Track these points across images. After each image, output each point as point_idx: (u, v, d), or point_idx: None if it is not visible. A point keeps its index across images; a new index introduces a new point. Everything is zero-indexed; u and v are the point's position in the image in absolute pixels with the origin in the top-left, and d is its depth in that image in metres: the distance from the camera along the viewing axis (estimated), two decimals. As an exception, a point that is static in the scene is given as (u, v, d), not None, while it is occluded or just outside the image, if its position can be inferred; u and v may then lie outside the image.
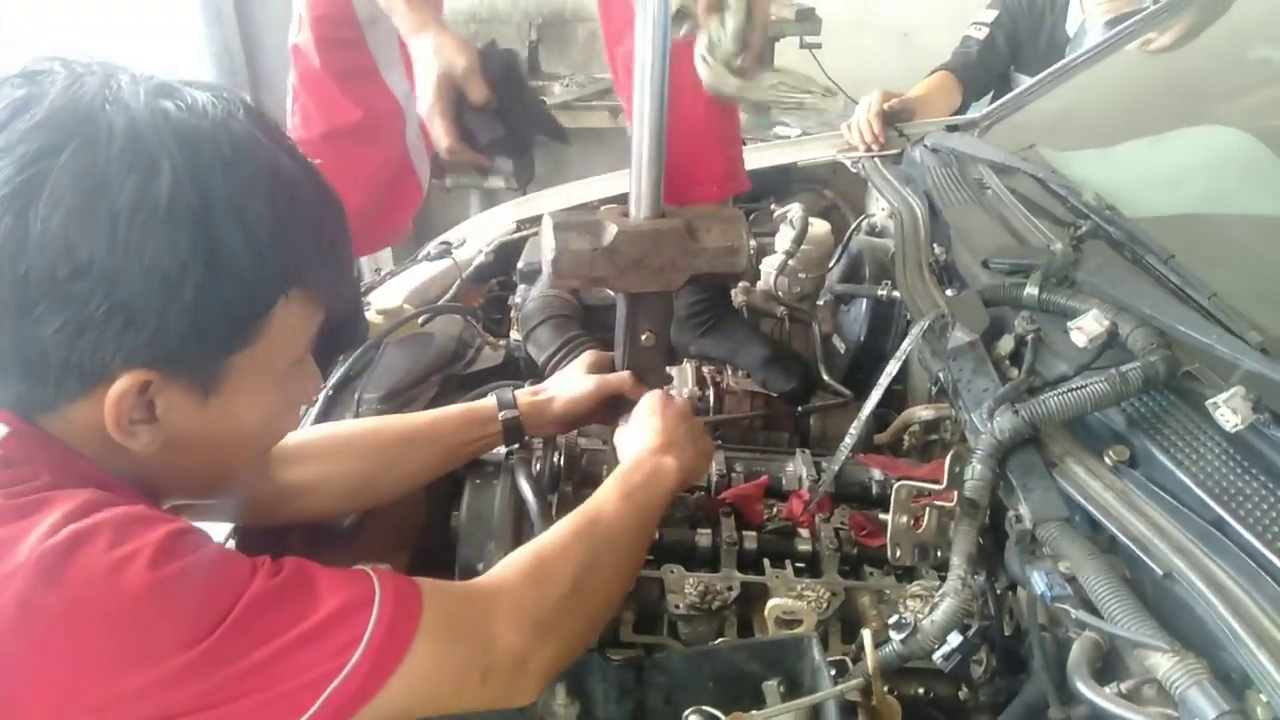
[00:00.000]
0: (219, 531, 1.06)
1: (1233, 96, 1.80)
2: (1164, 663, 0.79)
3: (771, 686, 0.93)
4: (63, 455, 0.76)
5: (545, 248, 1.13)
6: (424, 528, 1.30)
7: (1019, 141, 1.83)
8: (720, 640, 1.10)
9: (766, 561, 1.20)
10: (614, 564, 0.97)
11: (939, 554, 1.16)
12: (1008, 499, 1.05)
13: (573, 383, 1.26)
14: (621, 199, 1.15)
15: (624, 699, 0.96)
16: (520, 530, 1.16)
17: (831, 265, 1.86)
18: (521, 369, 1.69)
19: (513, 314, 1.85)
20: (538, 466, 1.26)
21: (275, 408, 0.87)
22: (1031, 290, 1.23)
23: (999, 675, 1.05)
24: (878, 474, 1.33)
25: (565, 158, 4.03)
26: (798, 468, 1.36)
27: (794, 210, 1.78)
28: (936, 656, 0.96)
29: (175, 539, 0.71)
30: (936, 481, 1.13)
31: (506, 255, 2.05)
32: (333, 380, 1.45)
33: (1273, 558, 0.85)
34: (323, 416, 1.38)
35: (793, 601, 1.10)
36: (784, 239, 1.79)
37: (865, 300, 1.69)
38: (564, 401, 1.24)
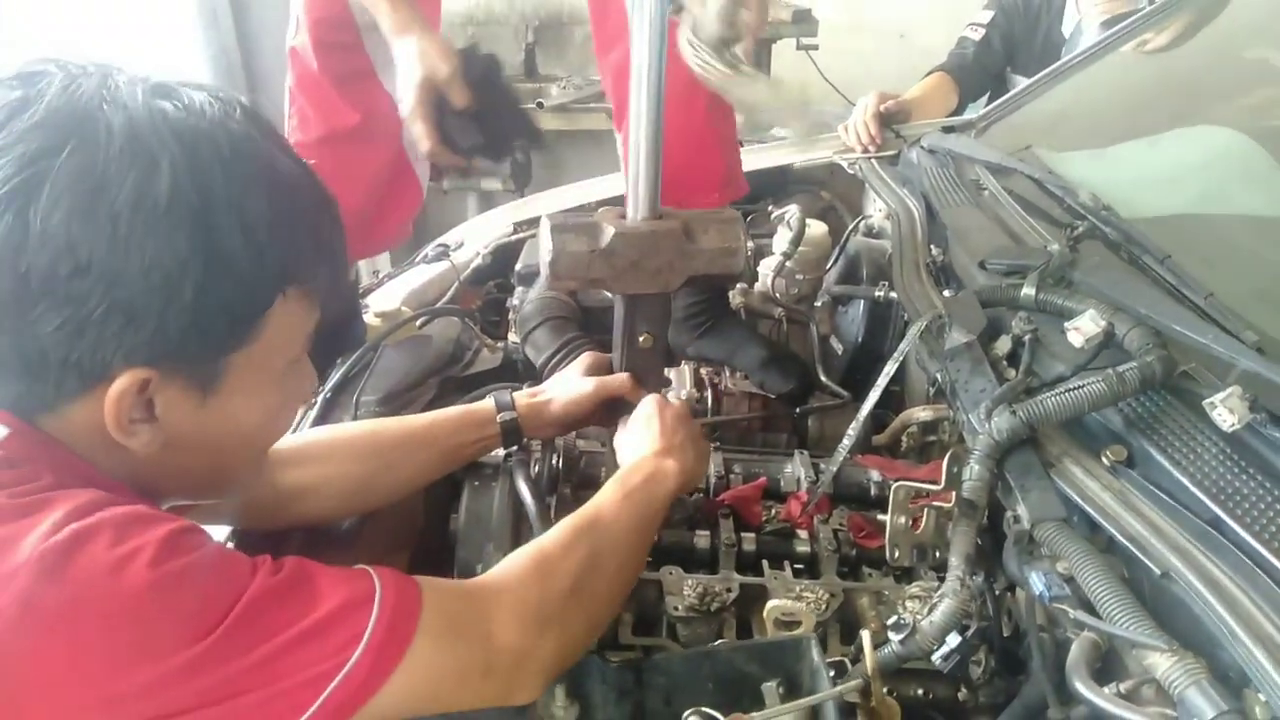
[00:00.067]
0: (218, 535, 1.06)
1: (1229, 97, 1.80)
2: (1162, 662, 0.79)
3: (771, 688, 0.93)
4: (63, 456, 0.76)
5: (543, 249, 1.13)
6: (422, 530, 1.30)
7: (1016, 142, 1.83)
8: (719, 642, 1.10)
9: (765, 563, 1.20)
10: (615, 564, 0.97)
11: (937, 555, 1.16)
12: (1006, 499, 1.05)
13: (571, 385, 1.26)
14: (619, 201, 1.15)
15: (623, 700, 0.96)
16: (519, 532, 1.16)
17: (829, 266, 1.86)
18: (519, 371, 1.69)
19: (511, 316, 1.85)
20: (536, 468, 1.26)
21: (273, 407, 0.87)
22: (1028, 291, 1.23)
23: (998, 676, 1.05)
24: (876, 475, 1.34)
25: (563, 159, 4.06)
26: (796, 469, 1.36)
27: (791, 212, 1.78)
28: (935, 657, 0.96)
29: (177, 537, 0.71)
30: (934, 482, 1.13)
31: (504, 257, 2.05)
32: (331, 383, 1.45)
33: (1270, 557, 0.85)
34: (321, 419, 1.38)
35: (791, 603, 1.10)
36: (781, 240, 1.79)
37: (863, 301, 1.70)
38: (562, 403, 1.24)
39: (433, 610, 0.80)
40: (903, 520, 1.15)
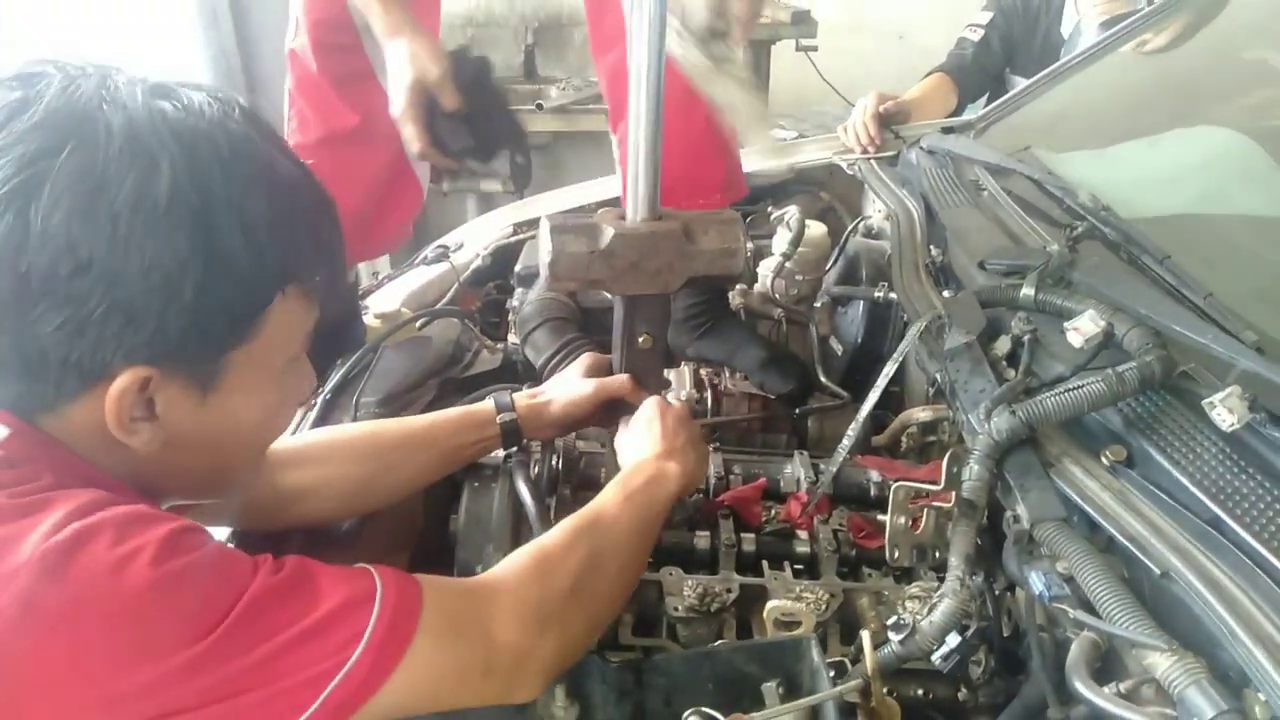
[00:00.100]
0: (218, 536, 1.06)
1: (1228, 97, 1.80)
2: (1162, 662, 0.79)
3: (770, 688, 0.93)
4: (64, 456, 0.76)
5: (542, 250, 1.13)
6: (422, 531, 1.30)
7: (1015, 143, 1.83)
8: (719, 642, 1.10)
9: (765, 563, 1.20)
10: (616, 565, 0.97)
11: (937, 555, 1.16)
12: (1005, 499, 1.05)
13: (571, 385, 1.26)
14: (618, 202, 1.15)
15: (623, 701, 0.96)
16: (519, 533, 1.16)
17: (828, 267, 1.86)
18: (519, 372, 1.69)
19: (510, 317, 1.85)
20: (536, 469, 1.26)
21: (272, 404, 0.87)
22: (1028, 291, 1.23)
23: (998, 676, 1.05)
24: (876, 475, 1.33)
25: (563, 161, 4.06)
26: (796, 470, 1.36)
27: (791, 213, 1.78)
28: (935, 657, 0.96)
29: (178, 537, 0.71)
30: (934, 482, 1.13)
31: (504, 259, 2.05)
32: (331, 384, 1.45)
33: (1269, 556, 0.85)
34: (321, 420, 1.38)
35: (791, 603, 1.10)
36: (781, 241, 1.79)
37: (862, 302, 1.70)
38: (562, 404, 1.24)
39: (433, 609, 0.80)
40: (902, 520, 1.15)
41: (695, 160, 1.51)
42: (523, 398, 1.25)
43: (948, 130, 2.15)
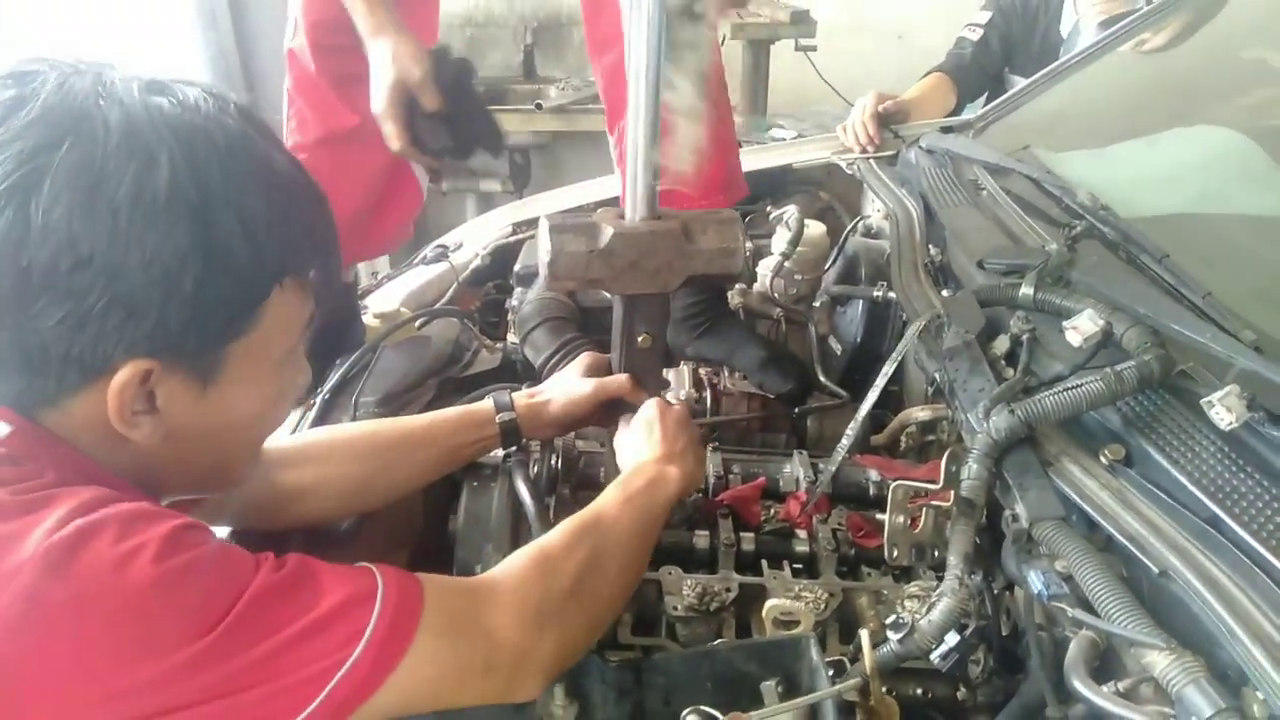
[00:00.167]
0: (218, 535, 1.06)
1: (1227, 97, 1.80)
2: (1161, 661, 0.79)
3: (769, 687, 0.93)
4: (65, 453, 0.76)
5: (541, 250, 1.13)
6: (422, 531, 1.30)
7: (1014, 142, 1.83)
8: (718, 641, 1.10)
9: (764, 563, 1.20)
10: (616, 566, 0.97)
11: (936, 554, 1.16)
12: (1004, 498, 1.05)
13: (570, 385, 1.26)
14: (617, 201, 1.15)
15: (622, 700, 0.96)
16: (518, 533, 1.16)
17: (827, 267, 1.86)
18: (519, 372, 1.69)
19: (510, 317, 1.86)
20: (535, 469, 1.26)
21: (270, 397, 0.87)
22: (1027, 290, 1.23)
23: (996, 675, 1.05)
24: (875, 475, 1.34)
25: (562, 160, 4.06)
26: (795, 469, 1.36)
27: (790, 212, 1.78)
28: (934, 656, 0.96)
29: (180, 534, 0.72)
30: (933, 481, 1.13)
31: (503, 258, 2.06)
32: (330, 384, 1.45)
33: (1268, 555, 0.85)
34: (320, 420, 1.39)
35: (790, 602, 1.11)
36: (780, 241, 1.79)
37: (861, 301, 1.70)
38: (561, 404, 1.24)
39: (434, 607, 0.80)
40: (901, 519, 1.15)
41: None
42: (522, 397, 1.25)
43: (947, 130, 2.15)
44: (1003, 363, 1.21)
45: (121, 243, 0.71)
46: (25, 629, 0.66)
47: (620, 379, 1.24)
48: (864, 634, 0.96)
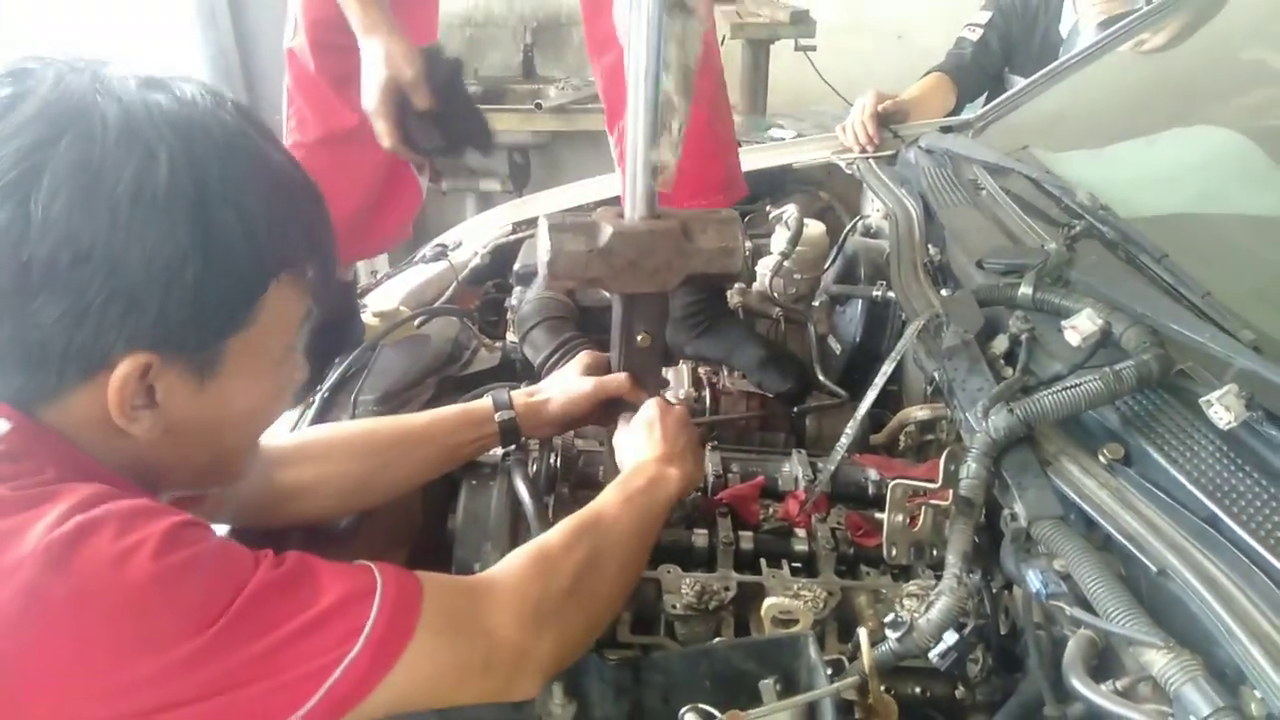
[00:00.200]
0: (217, 533, 1.06)
1: (1226, 97, 1.80)
2: (1159, 659, 0.79)
3: (768, 685, 0.93)
4: (65, 450, 0.77)
5: (541, 249, 1.13)
6: (420, 529, 1.30)
7: (1013, 142, 1.83)
8: (717, 640, 1.10)
9: (763, 561, 1.20)
10: (615, 566, 0.97)
11: (935, 553, 1.16)
12: (1003, 497, 1.06)
13: (569, 384, 1.26)
14: (617, 201, 1.15)
15: (621, 698, 0.96)
16: (517, 531, 1.16)
17: (827, 266, 1.86)
18: (518, 371, 1.69)
19: (509, 316, 1.86)
20: (534, 468, 1.26)
21: (268, 392, 0.88)
22: (1026, 290, 1.24)
23: (995, 674, 1.05)
24: (873, 474, 1.34)
25: (561, 160, 4.06)
26: (794, 468, 1.36)
27: (789, 211, 1.79)
28: (933, 655, 0.96)
29: (179, 531, 0.72)
30: (932, 481, 1.13)
31: (502, 257, 2.06)
32: (329, 382, 1.45)
33: (1266, 554, 0.85)
34: (319, 418, 1.39)
35: (789, 601, 1.10)
36: (779, 240, 1.79)
37: (860, 301, 1.70)
38: (560, 402, 1.24)
39: (433, 606, 0.80)
40: (900, 518, 1.15)
41: (696, 160, 1.52)
42: (521, 396, 1.25)
43: (946, 129, 2.15)
44: (1001, 362, 1.21)
45: (121, 237, 0.71)
46: (25, 624, 0.66)
47: (619, 378, 1.24)
48: (862, 633, 0.96)
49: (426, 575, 0.83)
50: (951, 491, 1.09)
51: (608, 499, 1.02)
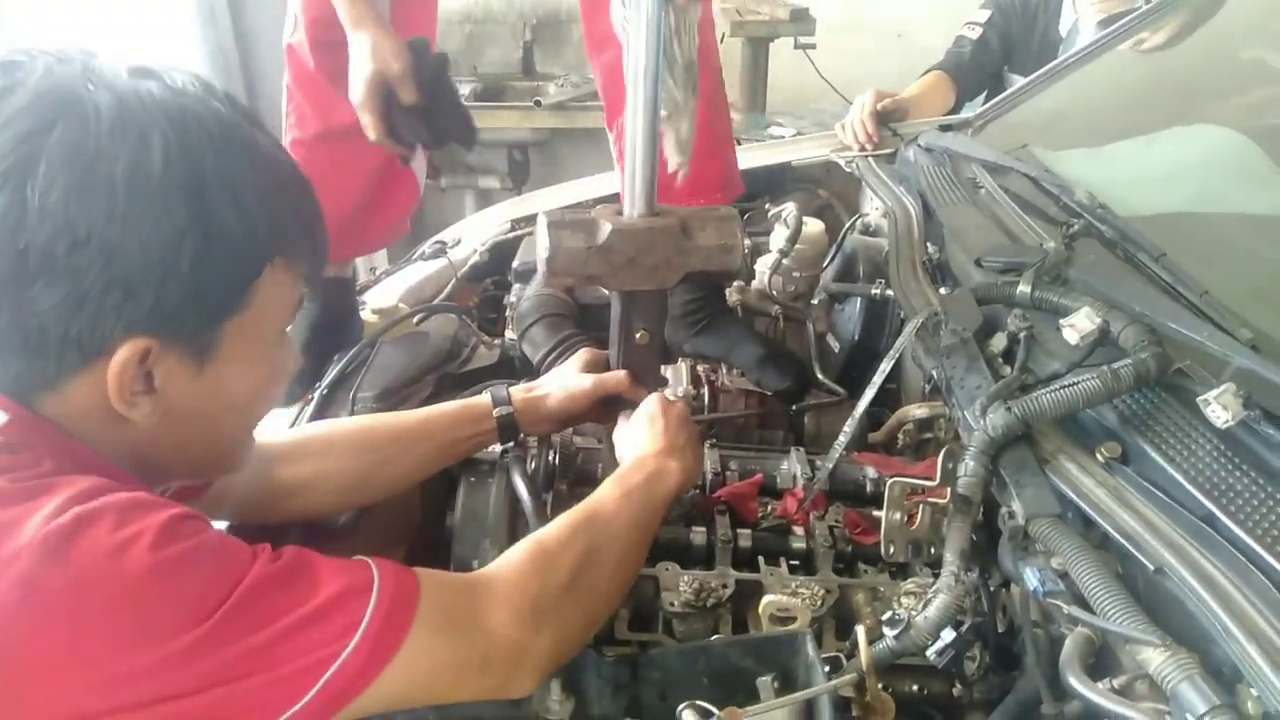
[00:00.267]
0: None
1: (1225, 96, 1.80)
2: (1156, 658, 0.80)
3: (765, 682, 0.93)
4: (63, 442, 0.77)
5: (540, 246, 1.13)
6: (419, 526, 1.31)
7: (1012, 141, 1.83)
8: (715, 637, 1.10)
9: (761, 559, 1.20)
10: (613, 561, 0.97)
11: (932, 551, 1.16)
12: (1000, 496, 1.06)
13: (568, 381, 1.26)
14: (616, 198, 1.15)
15: (619, 695, 0.96)
16: (515, 528, 1.16)
17: (826, 264, 1.86)
18: (516, 368, 1.69)
19: (508, 313, 1.86)
20: (533, 465, 1.26)
21: (263, 376, 0.88)
22: (1024, 288, 1.24)
23: (992, 671, 1.05)
24: (872, 472, 1.33)
25: (560, 157, 4.05)
26: (792, 466, 1.36)
27: (788, 209, 1.79)
28: (930, 653, 0.96)
29: (177, 523, 0.72)
30: (930, 478, 1.13)
31: (501, 254, 2.06)
32: (328, 379, 1.45)
33: (1263, 553, 0.85)
34: (318, 415, 1.39)
35: (787, 598, 1.10)
36: (778, 238, 1.79)
37: (859, 299, 1.70)
38: (559, 399, 1.24)
39: (430, 602, 0.80)
40: (898, 516, 1.15)
41: (695, 158, 1.52)
42: (519, 392, 1.25)
43: (945, 128, 2.15)
44: (1000, 360, 1.21)
45: (119, 223, 0.72)
46: (23, 615, 0.66)
47: (618, 375, 1.24)
48: (860, 630, 0.96)
49: (424, 572, 0.83)
50: (949, 489, 1.08)
51: (606, 493, 1.02)
